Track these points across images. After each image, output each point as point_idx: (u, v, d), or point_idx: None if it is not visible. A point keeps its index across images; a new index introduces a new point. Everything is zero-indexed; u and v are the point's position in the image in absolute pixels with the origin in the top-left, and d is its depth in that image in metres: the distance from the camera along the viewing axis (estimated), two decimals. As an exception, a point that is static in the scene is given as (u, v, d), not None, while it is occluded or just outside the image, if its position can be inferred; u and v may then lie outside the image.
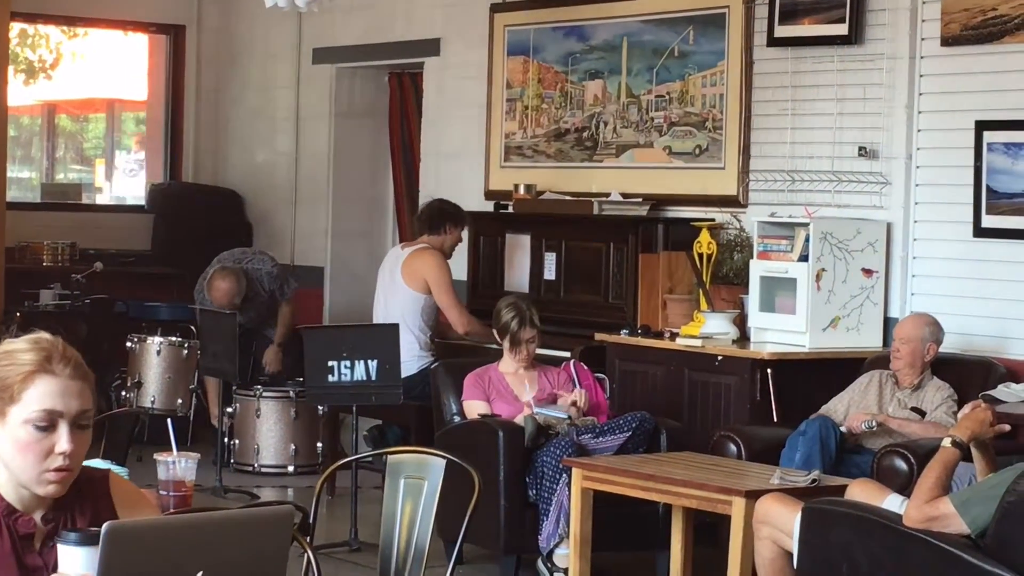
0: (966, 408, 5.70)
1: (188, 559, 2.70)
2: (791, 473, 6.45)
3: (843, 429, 7.08)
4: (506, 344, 7.59)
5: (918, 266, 7.92)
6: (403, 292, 9.00)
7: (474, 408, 7.50)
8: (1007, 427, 5.45)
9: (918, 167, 7.91)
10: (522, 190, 9.48)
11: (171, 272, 11.61)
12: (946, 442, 5.27)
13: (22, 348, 3.00)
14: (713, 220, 8.44)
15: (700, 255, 8.13)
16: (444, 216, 9.18)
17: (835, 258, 7.79)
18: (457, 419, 7.60)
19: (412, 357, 8.74)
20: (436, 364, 8.19)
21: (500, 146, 10.07)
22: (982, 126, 7.58)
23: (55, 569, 2.97)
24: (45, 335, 3.05)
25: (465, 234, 9.31)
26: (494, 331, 7.69)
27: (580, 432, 7.22)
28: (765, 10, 8.41)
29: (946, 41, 7.74)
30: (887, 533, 5.20)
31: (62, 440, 2.96)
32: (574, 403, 7.37)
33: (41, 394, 2.96)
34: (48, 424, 2.96)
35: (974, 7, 7.62)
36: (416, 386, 8.45)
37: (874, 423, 7.04)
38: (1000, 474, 5.11)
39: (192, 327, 9.99)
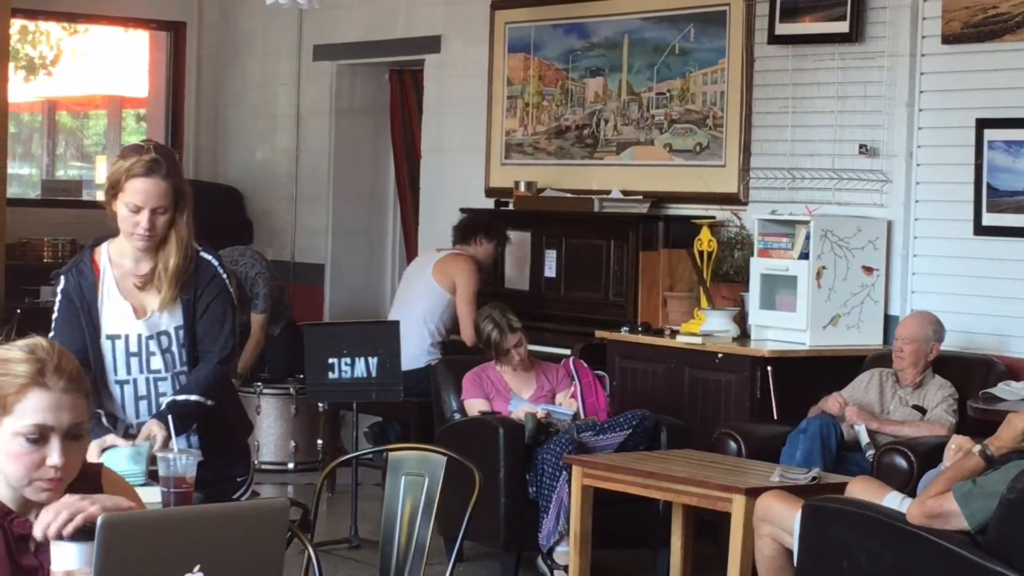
0: (951, 446, 5.58)
1: (184, 552, 2.70)
2: (791, 471, 6.45)
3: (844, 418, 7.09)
4: (495, 356, 7.60)
5: (919, 264, 7.92)
6: (429, 288, 8.97)
7: (474, 406, 7.50)
8: None
9: (919, 165, 7.91)
10: (523, 187, 9.48)
11: (171, 269, 11.57)
12: (976, 449, 5.23)
13: (17, 357, 2.97)
14: (714, 218, 8.44)
15: (700, 253, 8.13)
16: (475, 228, 9.17)
17: (835, 256, 7.79)
18: (458, 416, 7.60)
19: (421, 352, 8.75)
20: (437, 362, 8.19)
21: (501, 143, 10.07)
22: (983, 124, 7.58)
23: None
24: (41, 342, 3.01)
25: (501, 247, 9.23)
26: (482, 347, 7.69)
27: (580, 430, 7.22)
28: (766, 8, 8.40)
29: (947, 39, 7.74)
30: (887, 530, 5.20)
31: (53, 454, 2.95)
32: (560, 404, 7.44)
33: (34, 408, 2.94)
34: (39, 437, 2.95)
35: (975, 5, 7.62)
36: (420, 381, 8.44)
37: (864, 435, 7.04)
38: (1002, 471, 5.09)
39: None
